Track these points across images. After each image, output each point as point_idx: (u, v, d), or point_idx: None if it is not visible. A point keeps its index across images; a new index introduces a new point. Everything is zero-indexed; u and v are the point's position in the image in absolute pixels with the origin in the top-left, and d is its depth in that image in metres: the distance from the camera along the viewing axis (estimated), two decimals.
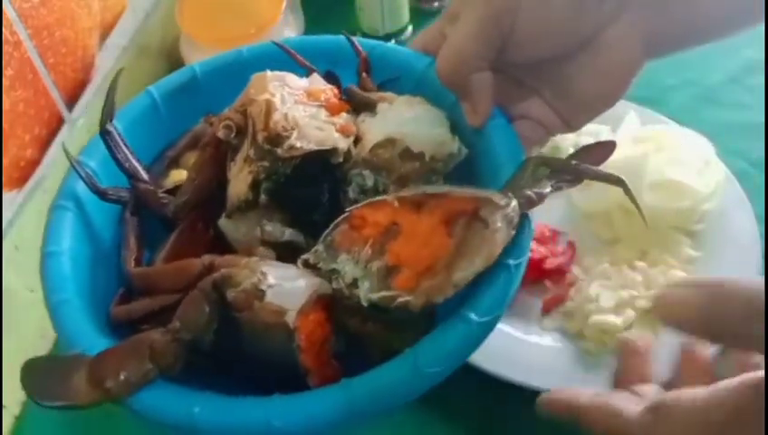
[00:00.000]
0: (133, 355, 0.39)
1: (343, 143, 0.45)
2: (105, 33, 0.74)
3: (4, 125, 0.61)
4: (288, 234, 0.45)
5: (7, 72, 0.61)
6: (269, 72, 0.48)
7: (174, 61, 0.83)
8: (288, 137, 0.43)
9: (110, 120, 0.48)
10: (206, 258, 0.42)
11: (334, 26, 0.94)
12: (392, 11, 0.86)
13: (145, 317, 0.43)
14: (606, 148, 0.48)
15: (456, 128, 0.46)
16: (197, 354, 0.40)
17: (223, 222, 0.47)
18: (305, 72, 0.51)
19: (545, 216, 0.72)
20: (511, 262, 0.40)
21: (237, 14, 0.77)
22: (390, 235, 0.39)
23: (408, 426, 0.64)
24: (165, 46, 0.84)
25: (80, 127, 0.71)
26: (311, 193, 0.46)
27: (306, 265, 0.41)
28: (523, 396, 0.62)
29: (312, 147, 0.44)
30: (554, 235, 0.72)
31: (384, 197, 0.40)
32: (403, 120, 0.45)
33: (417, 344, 0.38)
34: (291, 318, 0.38)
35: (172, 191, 0.49)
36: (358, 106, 0.48)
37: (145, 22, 0.81)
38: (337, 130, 0.45)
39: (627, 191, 0.44)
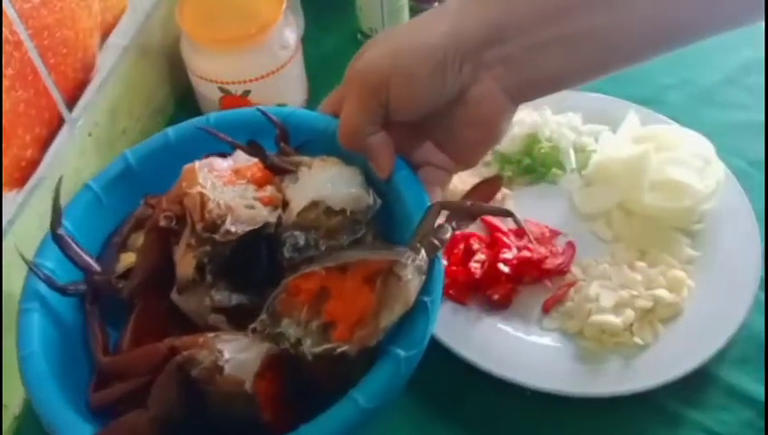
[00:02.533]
0: None
1: (272, 217, 0.51)
2: (106, 33, 0.74)
3: (5, 125, 0.61)
4: (235, 299, 0.51)
5: (8, 73, 0.61)
6: (197, 163, 0.53)
7: (174, 61, 0.83)
8: (223, 223, 0.49)
9: (60, 225, 0.53)
10: (168, 342, 0.48)
11: (334, 26, 0.94)
12: (392, 11, 0.86)
13: (120, 398, 0.49)
14: (493, 185, 0.58)
15: (370, 179, 0.52)
16: (173, 426, 0.46)
17: (175, 296, 0.51)
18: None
19: (545, 216, 0.73)
20: (426, 299, 0.46)
21: (238, 15, 0.77)
22: (323, 297, 0.45)
23: (406, 425, 0.64)
24: (165, 46, 0.84)
25: (80, 127, 0.71)
26: (251, 258, 0.51)
27: (255, 331, 0.47)
28: (523, 396, 0.62)
29: (245, 228, 0.50)
30: (554, 235, 0.72)
31: (312, 268, 0.46)
32: (321, 184, 0.51)
33: (356, 386, 0.44)
34: (248, 386, 0.45)
35: (125, 275, 0.54)
36: (281, 172, 0.53)
37: (145, 22, 0.80)
38: (265, 204, 0.51)
39: (516, 220, 0.51)
